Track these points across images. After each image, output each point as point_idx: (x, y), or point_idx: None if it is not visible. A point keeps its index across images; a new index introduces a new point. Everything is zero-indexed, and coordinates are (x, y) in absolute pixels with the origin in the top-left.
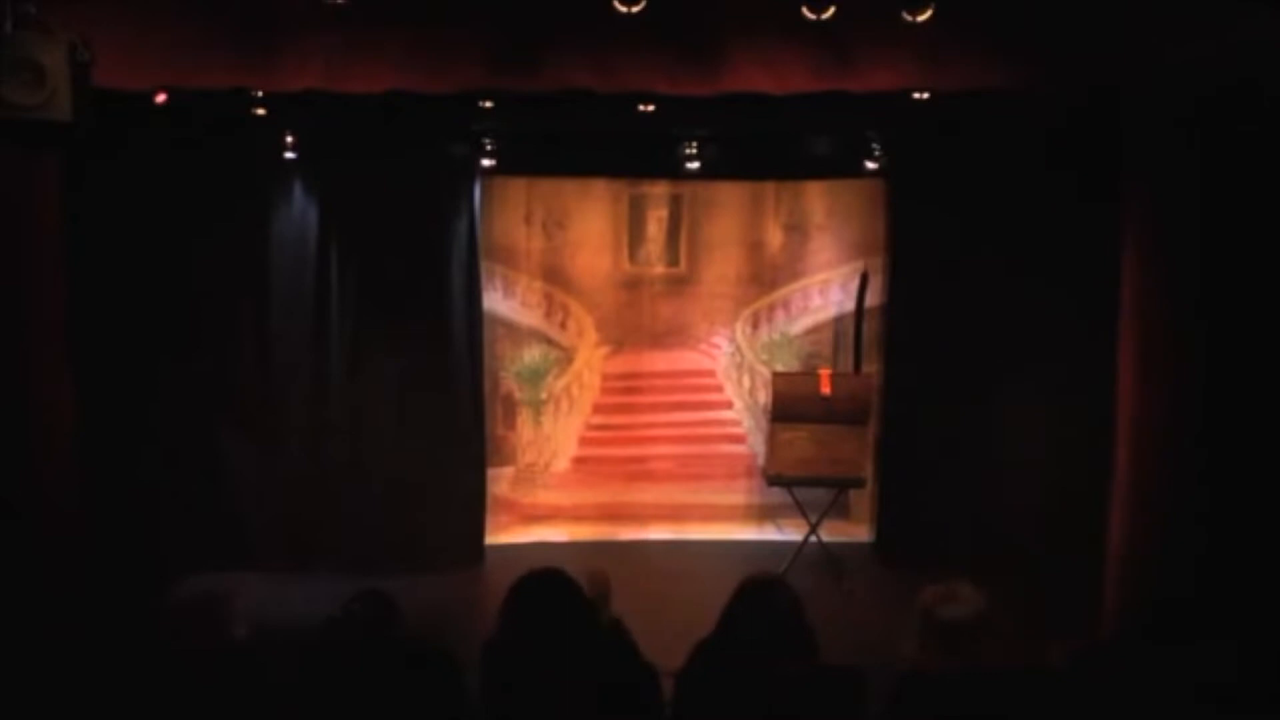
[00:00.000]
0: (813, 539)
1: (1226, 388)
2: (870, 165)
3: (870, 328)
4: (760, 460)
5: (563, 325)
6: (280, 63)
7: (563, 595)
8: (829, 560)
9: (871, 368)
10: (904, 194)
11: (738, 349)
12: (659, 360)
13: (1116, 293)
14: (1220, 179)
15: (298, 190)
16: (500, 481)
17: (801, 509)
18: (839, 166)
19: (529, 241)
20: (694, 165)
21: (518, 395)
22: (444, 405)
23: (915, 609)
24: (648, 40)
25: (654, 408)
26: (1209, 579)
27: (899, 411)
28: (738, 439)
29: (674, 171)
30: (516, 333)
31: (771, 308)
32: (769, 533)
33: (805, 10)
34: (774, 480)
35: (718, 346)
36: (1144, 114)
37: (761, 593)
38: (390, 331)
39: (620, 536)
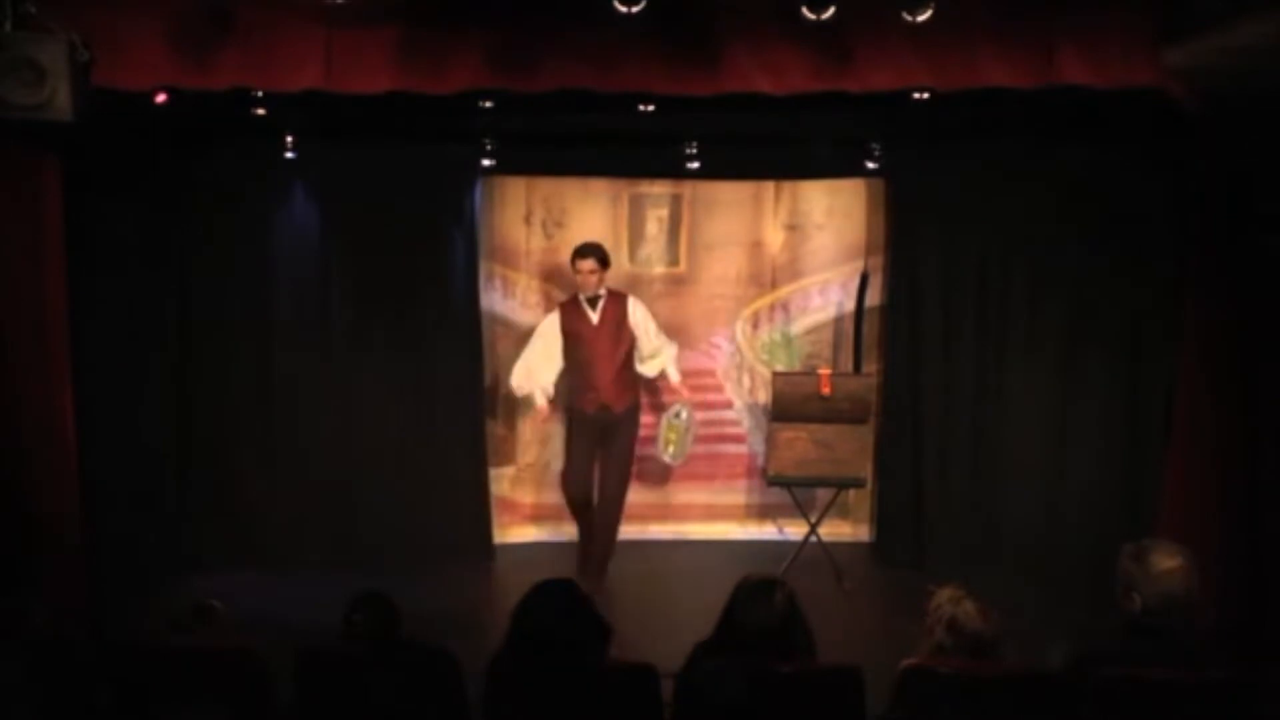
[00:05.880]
0: (813, 539)
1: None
2: (870, 165)
3: (870, 328)
4: (760, 460)
5: None
6: (280, 63)
7: (572, 606)
8: (829, 560)
9: (871, 368)
10: (904, 194)
11: (738, 349)
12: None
13: (1118, 292)
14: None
15: (298, 190)
16: (501, 481)
17: (801, 509)
18: (839, 166)
19: (529, 241)
20: (694, 165)
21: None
22: (444, 405)
23: (930, 611)
24: (648, 40)
25: (654, 408)
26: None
27: (899, 412)
28: (738, 439)
29: (674, 171)
30: (516, 333)
31: (771, 308)
32: (769, 533)
33: (805, 10)
34: (774, 480)
35: (718, 346)
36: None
37: (761, 593)
38: (390, 331)
39: (620, 536)
